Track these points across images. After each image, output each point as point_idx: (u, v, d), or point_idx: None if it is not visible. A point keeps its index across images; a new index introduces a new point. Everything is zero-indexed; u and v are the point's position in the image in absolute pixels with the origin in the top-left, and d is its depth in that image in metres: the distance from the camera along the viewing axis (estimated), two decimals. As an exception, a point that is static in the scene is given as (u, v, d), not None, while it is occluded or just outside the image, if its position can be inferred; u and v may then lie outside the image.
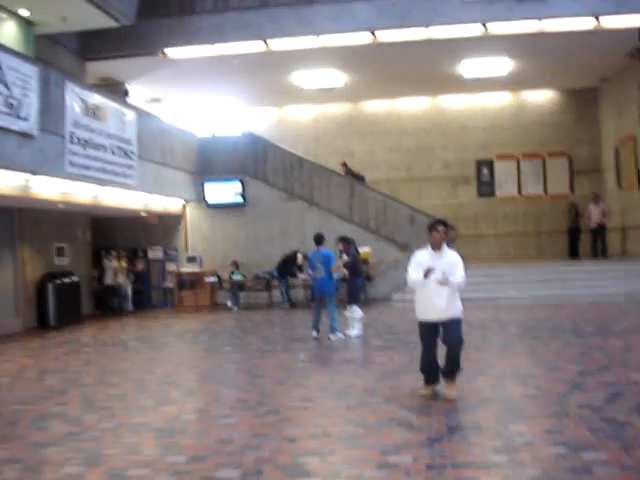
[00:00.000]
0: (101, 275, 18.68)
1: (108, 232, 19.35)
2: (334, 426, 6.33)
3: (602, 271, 17.43)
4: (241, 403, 7.42)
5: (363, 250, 16.68)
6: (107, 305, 18.76)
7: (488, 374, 8.33)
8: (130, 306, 18.79)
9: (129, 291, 18.92)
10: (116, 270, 18.55)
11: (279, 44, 16.76)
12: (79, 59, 17.12)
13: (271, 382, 8.54)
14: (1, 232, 14.81)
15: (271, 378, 8.79)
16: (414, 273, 7.23)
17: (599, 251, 19.22)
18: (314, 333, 12.00)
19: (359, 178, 20.43)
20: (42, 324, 15.41)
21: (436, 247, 7.20)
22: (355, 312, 12.20)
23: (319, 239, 12.31)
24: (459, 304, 7.28)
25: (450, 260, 7.23)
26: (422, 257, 7.26)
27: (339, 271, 12.59)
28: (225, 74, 18.71)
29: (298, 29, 16.44)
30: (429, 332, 7.37)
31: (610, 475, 4.70)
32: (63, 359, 11.21)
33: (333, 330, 11.92)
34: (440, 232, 7.19)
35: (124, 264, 18.75)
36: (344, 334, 11.99)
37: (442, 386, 7.32)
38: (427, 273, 6.99)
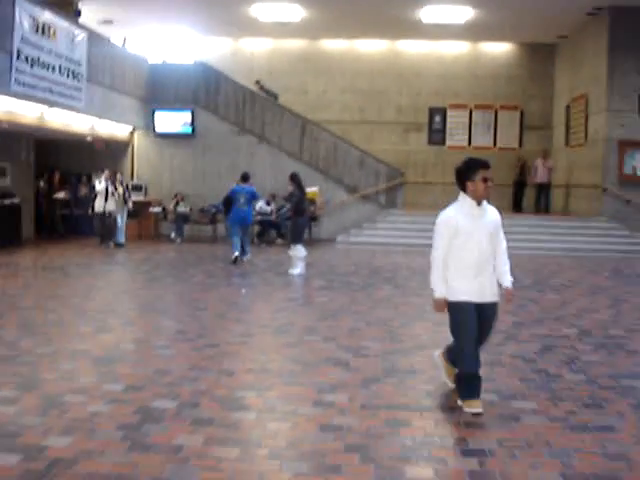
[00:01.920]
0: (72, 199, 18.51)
1: (52, 155, 18.88)
2: (272, 362, 6.41)
3: (544, 226, 17.81)
4: (180, 335, 7.44)
5: (311, 190, 16.64)
6: (55, 229, 18.58)
7: (426, 320, 8.49)
8: (121, 238, 16.35)
9: (120, 220, 16.43)
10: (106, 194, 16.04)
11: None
12: (29, -28, 16.41)
13: (211, 315, 8.57)
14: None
15: (212, 311, 8.82)
16: (442, 249, 5.34)
17: (542, 207, 19.60)
18: (236, 253, 13.54)
19: (273, 96, 20.34)
20: (-20, 245, 15.08)
21: (480, 202, 5.19)
22: (298, 251, 12.27)
23: (245, 177, 14.27)
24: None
25: (493, 219, 5.33)
26: (458, 220, 5.14)
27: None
28: (181, 0, 18.18)
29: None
30: (472, 317, 5.11)
31: (538, 424, 4.87)
32: (0, 281, 11.03)
33: (246, 253, 13.96)
34: (490, 179, 5.18)
35: (120, 188, 16.38)
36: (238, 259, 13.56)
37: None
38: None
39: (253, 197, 14.21)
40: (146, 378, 5.79)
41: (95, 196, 16.13)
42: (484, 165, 5.13)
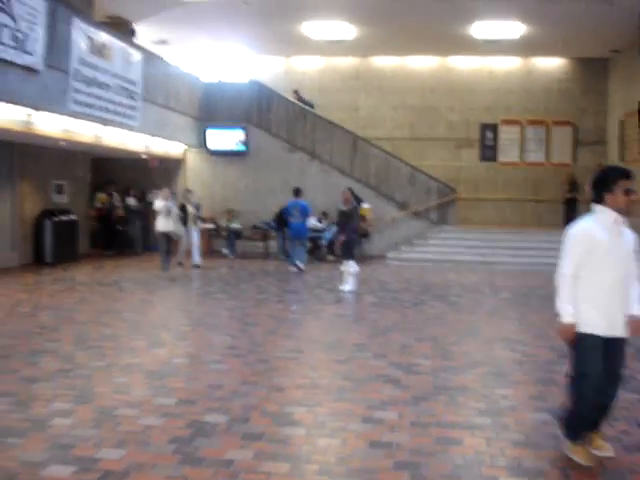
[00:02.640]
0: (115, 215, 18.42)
1: (107, 172, 19.27)
2: (322, 378, 6.42)
3: None
4: (232, 350, 7.51)
5: (364, 206, 16.69)
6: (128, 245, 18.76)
7: (478, 337, 8.42)
8: (197, 259, 15.66)
9: (196, 239, 15.65)
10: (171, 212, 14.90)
11: (290, -8, 16.52)
12: (87, -5, 16.85)
13: (263, 331, 8.62)
14: (1, 166, 14.76)
15: (263, 327, 8.88)
16: (573, 266, 4.54)
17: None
18: (300, 264, 14.90)
19: (309, 105, 20.42)
20: (38, 260, 15.47)
21: (620, 217, 4.44)
22: (351, 267, 12.27)
23: (298, 191, 15.49)
24: None
25: (631, 238, 4.57)
26: (595, 234, 4.42)
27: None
28: (234, 19, 18.44)
29: (311, -23, 16.19)
30: (599, 355, 4.43)
31: (590, 443, 4.78)
32: (57, 296, 11.29)
33: (302, 262, 15.07)
34: (634, 191, 4.45)
35: (190, 207, 15.52)
36: (299, 268, 14.87)
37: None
38: None
39: (305, 211, 15.21)
40: (198, 392, 5.86)
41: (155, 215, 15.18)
42: (626, 175, 4.47)
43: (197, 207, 15.72)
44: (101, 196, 18.34)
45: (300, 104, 20.00)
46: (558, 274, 4.61)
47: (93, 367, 6.64)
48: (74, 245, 16.50)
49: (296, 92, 20.66)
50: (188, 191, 16.05)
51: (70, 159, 16.92)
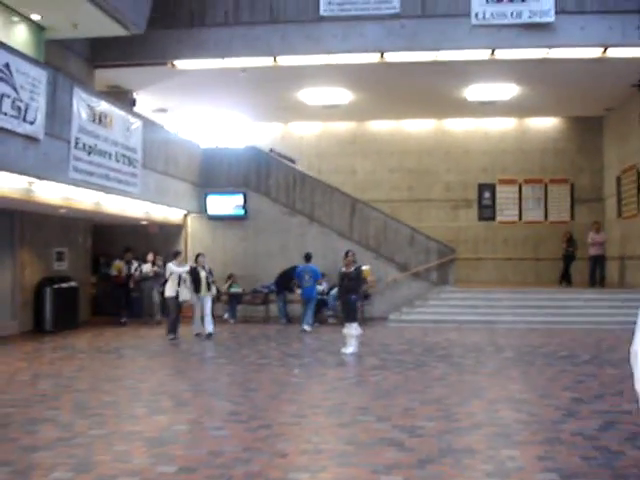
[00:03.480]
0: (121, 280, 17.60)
1: (108, 239, 19.32)
2: (326, 443, 6.33)
3: (599, 299, 17.44)
4: (233, 416, 7.42)
5: (363, 268, 16.67)
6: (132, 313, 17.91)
7: (482, 398, 8.33)
8: (210, 327, 14.60)
9: (207, 307, 14.77)
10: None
11: (287, 60, 16.84)
12: (88, 65, 17.19)
13: (264, 396, 8.53)
14: (1, 234, 14.82)
15: (264, 392, 8.79)
16: None
17: (597, 279, 19.23)
18: (305, 327, 15.69)
19: (289, 160, 20.75)
20: (38, 328, 15.39)
21: None
22: (354, 329, 12.21)
23: (308, 257, 16.48)
24: None
25: None
26: None
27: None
28: (232, 87, 18.78)
29: (306, 46, 16.51)
30: None
31: (600, 504, 4.70)
32: (57, 364, 11.20)
33: (308, 323, 15.82)
34: None
35: (203, 272, 14.86)
36: (310, 329, 15.64)
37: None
38: None
39: (316, 275, 16.26)
40: (199, 460, 5.77)
41: (165, 280, 14.85)
42: None
43: (210, 272, 15.11)
44: (117, 264, 17.83)
45: (285, 160, 20.31)
46: (632, 348, 4.01)
47: (93, 435, 6.55)
48: (74, 312, 16.43)
49: (271, 150, 20.91)
50: (201, 255, 15.29)
51: (71, 226, 17.00)
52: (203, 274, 14.72)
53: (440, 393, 8.63)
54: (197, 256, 15.26)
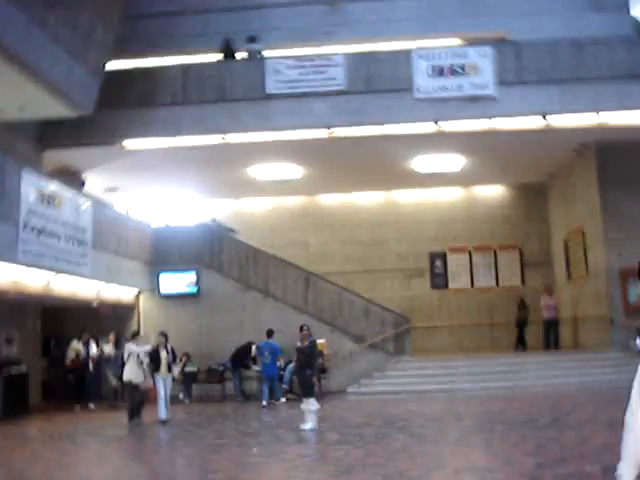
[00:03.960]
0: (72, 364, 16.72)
1: (58, 319, 18.90)
2: (289, 523, 6.16)
3: (555, 362, 17.57)
4: (193, 500, 7.19)
5: (319, 342, 16.57)
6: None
7: (445, 468, 8.25)
8: (164, 413, 13.48)
9: (163, 391, 13.61)
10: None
11: (236, 137, 17.01)
12: (37, 147, 17.06)
13: (224, 478, 8.30)
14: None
15: (224, 474, 8.56)
16: None
17: (552, 343, 19.41)
18: (263, 402, 15.84)
19: (230, 230, 21.01)
20: (-13, 415, 14.85)
21: None
22: (311, 404, 12.04)
23: (270, 333, 16.59)
24: None
25: None
26: None
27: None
28: (182, 165, 18.85)
29: (255, 123, 16.72)
30: None
31: None
32: (8, 452, 10.78)
33: (278, 398, 16.33)
34: None
35: (163, 352, 14.00)
36: (278, 403, 16.06)
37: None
38: None
39: (276, 352, 16.44)
40: None
41: (123, 363, 14.20)
42: None
43: (173, 351, 14.20)
44: (75, 347, 16.84)
45: (225, 231, 20.47)
46: (626, 418, 3.84)
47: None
48: (25, 398, 15.91)
49: (214, 220, 21.00)
50: (163, 334, 14.18)
51: (20, 309, 16.62)
52: (164, 354, 13.84)
53: (403, 466, 8.50)
54: (160, 335, 14.24)
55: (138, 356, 13.70)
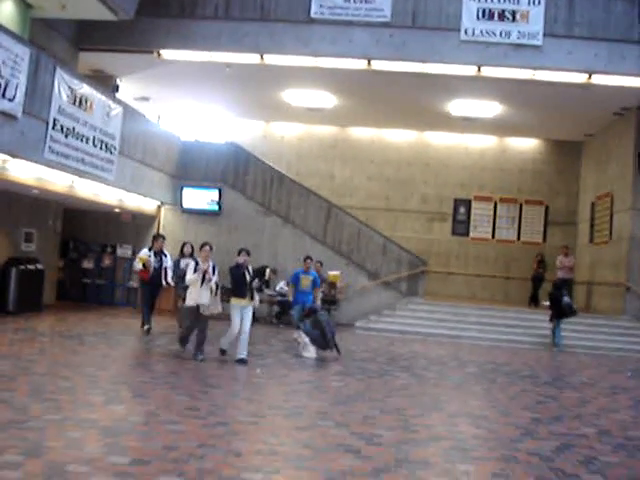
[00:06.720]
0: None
1: (79, 224, 19.11)
2: (282, 445, 6.27)
3: (565, 323, 17.53)
4: (191, 411, 7.33)
5: (333, 273, 16.65)
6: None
7: (442, 411, 8.33)
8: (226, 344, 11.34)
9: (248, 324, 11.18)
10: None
11: (274, 59, 16.76)
12: (73, 47, 16.96)
13: (224, 393, 8.46)
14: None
15: (225, 389, 8.72)
16: None
17: (565, 305, 19.28)
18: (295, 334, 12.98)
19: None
20: (1, 308, 15.12)
21: None
22: (296, 334, 12.20)
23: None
24: None
25: None
26: None
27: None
28: (217, 82, 18.67)
29: (295, 47, 16.45)
30: None
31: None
32: (17, 345, 11.01)
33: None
34: None
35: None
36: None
37: None
38: None
39: (315, 283, 13.82)
40: (153, 453, 5.68)
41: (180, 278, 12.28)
42: None
43: (214, 268, 11.63)
44: (142, 256, 13.94)
45: None
46: None
47: (47, 420, 6.43)
48: (39, 295, 16.18)
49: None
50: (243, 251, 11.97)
51: (41, 208, 16.76)
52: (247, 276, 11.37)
53: (400, 403, 8.61)
54: (239, 251, 11.97)
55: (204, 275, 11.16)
